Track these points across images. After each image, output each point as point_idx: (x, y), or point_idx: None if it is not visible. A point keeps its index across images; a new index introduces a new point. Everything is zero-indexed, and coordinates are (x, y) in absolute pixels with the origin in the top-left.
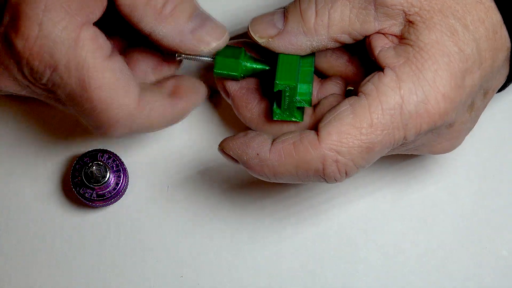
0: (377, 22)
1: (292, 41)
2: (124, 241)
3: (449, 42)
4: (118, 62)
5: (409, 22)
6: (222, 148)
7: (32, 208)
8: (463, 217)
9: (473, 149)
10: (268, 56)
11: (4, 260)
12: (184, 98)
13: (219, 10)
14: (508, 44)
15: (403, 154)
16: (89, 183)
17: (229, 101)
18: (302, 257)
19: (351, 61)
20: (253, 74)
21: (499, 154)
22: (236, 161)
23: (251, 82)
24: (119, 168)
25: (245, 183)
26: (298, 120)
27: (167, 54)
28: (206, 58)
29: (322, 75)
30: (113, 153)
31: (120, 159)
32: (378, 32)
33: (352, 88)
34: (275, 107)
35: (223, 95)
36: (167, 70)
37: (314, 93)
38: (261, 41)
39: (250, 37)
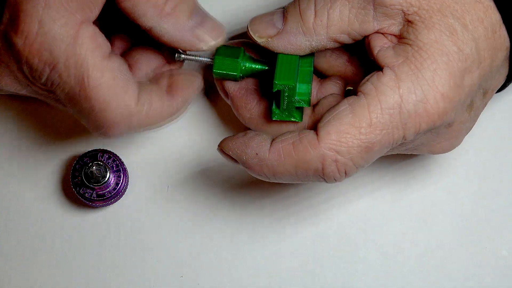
0: (376, 22)
1: (291, 41)
2: (124, 241)
3: (448, 41)
4: (116, 61)
5: (408, 22)
6: (221, 148)
7: (32, 208)
8: (463, 217)
9: (473, 149)
10: (267, 56)
11: (4, 260)
12: (181, 92)
13: (219, 10)
14: (507, 44)
15: (402, 154)
16: (89, 183)
17: (228, 102)
18: (301, 257)
19: (350, 61)
20: (252, 74)
21: (499, 154)
22: (235, 161)
23: (250, 83)
24: (119, 168)
25: (244, 183)
26: (297, 120)
27: (167, 53)
28: (205, 59)
29: (322, 75)
30: (113, 153)
31: (120, 159)
32: (377, 32)
33: (351, 88)
34: (274, 107)
35: (222, 95)
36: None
37: (314, 93)
38: (260, 40)
39: (250, 37)
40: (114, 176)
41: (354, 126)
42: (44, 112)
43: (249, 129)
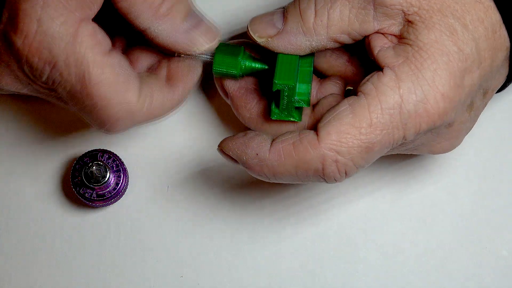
0: (376, 22)
1: (292, 41)
2: (124, 241)
3: (448, 41)
4: (117, 57)
5: (408, 22)
6: (221, 148)
7: (32, 208)
8: (463, 217)
9: (473, 149)
10: (267, 56)
11: (4, 260)
12: (180, 82)
13: (219, 10)
14: (508, 44)
15: (402, 154)
16: (89, 183)
17: (228, 101)
18: (301, 257)
19: (350, 61)
20: (252, 73)
21: (499, 154)
22: (235, 161)
23: (250, 82)
24: (119, 168)
25: (245, 183)
26: (296, 120)
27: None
28: (205, 56)
29: (322, 75)
30: (113, 153)
31: (120, 159)
32: (377, 32)
33: (352, 88)
34: (273, 106)
35: (222, 95)
36: None
37: (314, 93)
38: (260, 40)
39: (250, 37)
40: (114, 176)
41: (354, 126)
42: (44, 112)
43: (249, 129)
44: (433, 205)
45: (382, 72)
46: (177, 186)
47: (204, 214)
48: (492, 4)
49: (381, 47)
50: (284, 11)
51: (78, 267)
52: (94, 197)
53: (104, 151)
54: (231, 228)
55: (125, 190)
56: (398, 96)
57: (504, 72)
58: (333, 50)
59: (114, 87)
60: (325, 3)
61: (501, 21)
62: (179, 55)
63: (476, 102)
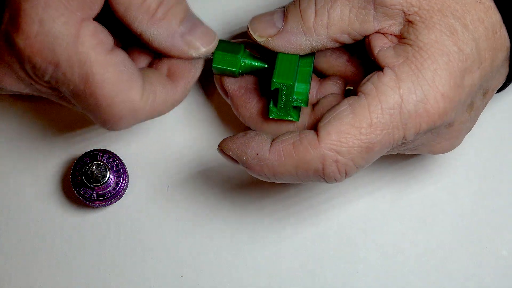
0: (376, 22)
1: (292, 40)
2: (124, 241)
3: (449, 41)
4: (120, 55)
5: (409, 22)
6: (221, 148)
7: (32, 208)
8: (463, 217)
9: (473, 149)
10: (268, 56)
11: (4, 260)
12: (182, 77)
13: (219, 10)
14: (508, 44)
15: (402, 154)
16: (89, 183)
17: (228, 101)
18: (301, 257)
19: (350, 61)
20: (252, 72)
21: (499, 154)
22: (235, 161)
23: (250, 82)
24: (119, 168)
25: (245, 183)
26: (294, 120)
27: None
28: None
29: (322, 75)
30: (113, 153)
31: (120, 159)
32: (377, 32)
33: (352, 88)
34: (271, 105)
35: (222, 94)
36: None
37: (314, 92)
38: (260, 40)
39: (250, 36)
40: (114, 176)
41: (354, 126)
42: (44, 112)
43: (249, 129)
44: (433, 205)
45: (382, 72)
46: (177, 186)
47: (204, 214)
48: (493, 4)
49: (381, 47)
50: (284, 11)
51: (78, 267)
52: (94, 197)
53: (104, 151)
54: (231, 228)
55: (125, 190)
56: (398, 96)
57: (504, 72)
58: (333, 50)
59: (117, 86)
60: (325, 3)
61: (502, 21)
62: None
63: (476, 102)
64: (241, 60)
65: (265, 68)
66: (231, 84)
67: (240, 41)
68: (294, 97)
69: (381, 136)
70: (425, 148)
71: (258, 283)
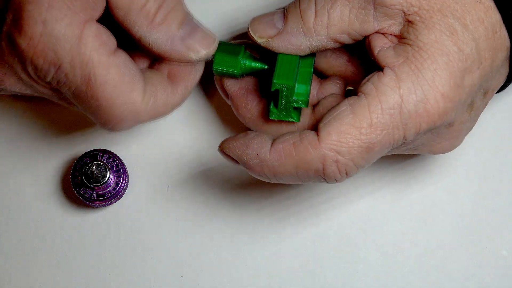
0: (376, 22)
1: (292, 41)
2: (124, 241)
3: (448, 41)
4: (122, 56)
5: (409, 22)
6: (222, 149)
7: (32, 208)
8: (463, 217)
9: (473, 149)
10: (268, 57)
11: (4, 260)
12: (183, 79)
13: (220, 10)
14: (508, 44)
15: (402, 154)
16: (89, 183)
17: (228, 102)
18: (301, 257)
19: (350, 61)
20: (252, 73)
21: (499, 154)
22: (236, 161)
23: (250, 83)
24: (119, 168)
25: (245, 183)
26: (294, 121)
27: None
28: None
29: (322, 75)
30: (113, 153)
31: (120, 159)
32: (377, 32)
33: (352, 88)
34: (272, 106)
35: (222, 95)
36: None
37: (314, 93)
38: (260, 41)
39: (250, 37)
40: (114, 176)
41: (354, 127)
42: (44, 112)
43: (249, 129)
44: (433, 205)
45: (382, 72)
46: (177, 186)
47: (204, 214)
48: (492, 4)
49: (381, 47)
50: (285, 11)
51: (78, 267)
52: (94, 197)
53: (104, 151)
54: (231, 228)
55: (125, 190)
56: (398, 96)
57: (504, 72)
58: (333, 50)
59: (119, 88)
60: (325, 3)
61: (501, 21)
62: None
63: (476, 102)
64: (242, 61)
65: (265, 69)
66: (231, 85)
67: (240, 42)
68: (295, 98)
69: (381, 136)
70: (425, 148)
71: (258, 283)
